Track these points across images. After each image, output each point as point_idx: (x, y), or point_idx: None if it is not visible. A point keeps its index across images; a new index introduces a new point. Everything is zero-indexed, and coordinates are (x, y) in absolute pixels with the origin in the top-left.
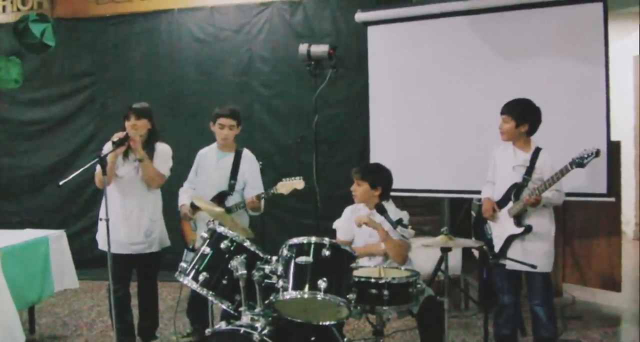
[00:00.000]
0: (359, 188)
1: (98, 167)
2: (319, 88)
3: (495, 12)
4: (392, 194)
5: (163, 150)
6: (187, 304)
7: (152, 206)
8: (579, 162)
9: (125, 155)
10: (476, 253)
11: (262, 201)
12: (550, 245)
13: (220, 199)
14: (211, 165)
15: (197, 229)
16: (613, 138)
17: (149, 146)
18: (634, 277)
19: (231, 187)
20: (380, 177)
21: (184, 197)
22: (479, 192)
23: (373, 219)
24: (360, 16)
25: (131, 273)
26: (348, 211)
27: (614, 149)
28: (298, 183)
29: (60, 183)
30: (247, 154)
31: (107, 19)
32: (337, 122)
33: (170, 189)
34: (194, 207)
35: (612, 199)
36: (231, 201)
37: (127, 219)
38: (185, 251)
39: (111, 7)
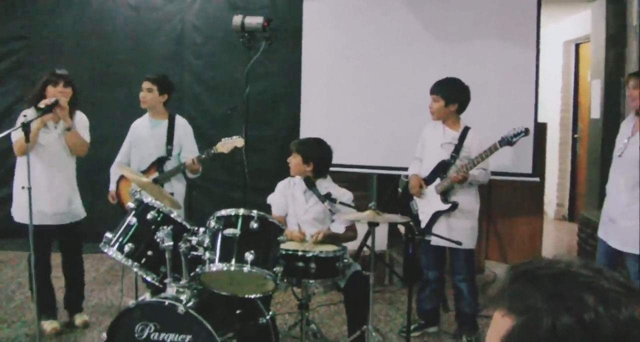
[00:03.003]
0: (293, 160)
1: (18, 134)
2: (252, 60)
3: None
4: None
5: (83, 119)
6: None
7: (72, 175)
8: (508, 140)
9: (46, 123)
10: (402, 229)
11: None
12: (474, 222)
13: (158, 164)
14: (146, 133)
15: None
16: (540, 120)
17: (70, 115)
18: (554, 255)
19: (169, 152)
20: (313, 153)
21: (113, 182)
22: (407, 169)
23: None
24: None
25: (51, 244)
26: (281, 185)
27: (540, 130)
28: (237, 141)
29: None
30: (180, 119)
31: None
32: (269, 95)
33: (98, 160)
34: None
35: (537, 179)
36: (169, 166)
37: (51, 189)
38: None
39: None
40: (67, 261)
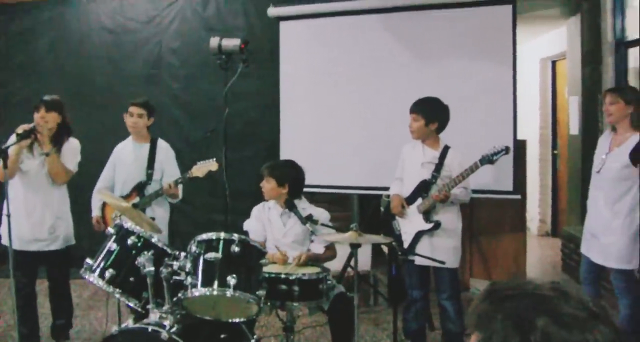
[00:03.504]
0: (267, 185)
1: None
2: (229, 82)
3: (407, 11)
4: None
5: (72, 146)
6: None
7: (57, 202)
8: (488, 159)
9: (31, 148)
10: (385, 249)
11: (180, 187)
12: (457, 241)
13: (139, 189)
14: (128, 157)
15: None
16: (519, 137)
17: (58, 141)
18: (538, 271)
19: (149, 177)
20: (287, 175)
21: (96, 208)
22: (388, 189)
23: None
24: (272, 11)
25: (37, 271)
26: (255, 211)
27: (520, 147)
28: (212, 165)
29: None
30: (161, 143)
31: (15, 5)
32: (247, 117)
33: (78, 184)
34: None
35: (518, 197)
36: (150, 190)
37: (30, 215)
38: None
39: None
40: (52, 289)
